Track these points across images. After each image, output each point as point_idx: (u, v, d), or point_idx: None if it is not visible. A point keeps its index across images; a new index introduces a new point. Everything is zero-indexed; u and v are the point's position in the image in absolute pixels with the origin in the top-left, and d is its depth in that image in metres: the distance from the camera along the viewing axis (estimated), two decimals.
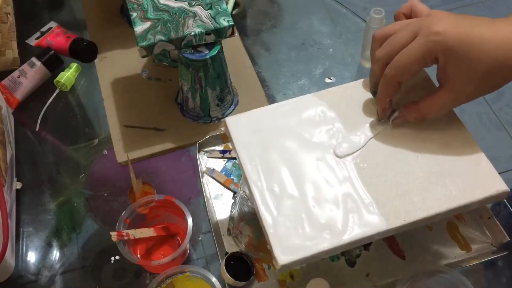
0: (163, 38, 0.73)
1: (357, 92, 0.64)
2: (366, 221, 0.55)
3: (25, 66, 0.89)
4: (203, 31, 0.74)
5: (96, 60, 0.93)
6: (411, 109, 0.60)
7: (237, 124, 0.62)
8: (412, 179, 0.57)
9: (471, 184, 0.56)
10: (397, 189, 0.57)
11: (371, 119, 0.62)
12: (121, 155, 0.81)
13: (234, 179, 0.77)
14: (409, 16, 0.61)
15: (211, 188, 0.76)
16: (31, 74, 0.88)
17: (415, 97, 0.60)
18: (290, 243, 0.53)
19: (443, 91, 0.57)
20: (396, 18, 0.62)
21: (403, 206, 0.55)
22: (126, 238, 0.66)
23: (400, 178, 0.58)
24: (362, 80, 0.65)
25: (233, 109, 0.86)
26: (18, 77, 0.88)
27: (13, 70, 0.89)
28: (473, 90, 0.55)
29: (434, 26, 0.53)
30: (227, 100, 0.84)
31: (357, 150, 0.60)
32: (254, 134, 0.61)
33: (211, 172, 0.78)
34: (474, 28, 0.53)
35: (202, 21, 0.75)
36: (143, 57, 0.75)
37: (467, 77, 0.54)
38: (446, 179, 0.57)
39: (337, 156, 0.59)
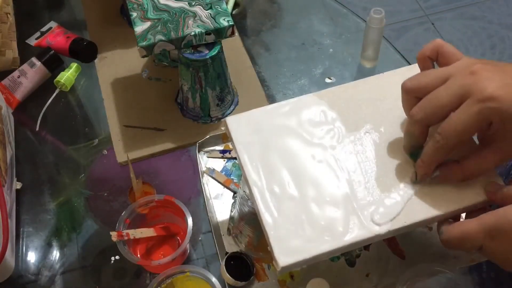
0: (163, 38, 0.73)
1: (358, 92, 0.64)
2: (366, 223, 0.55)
3: (25, 66, 0.88)
4: (203, 31, 0.74)
5: (96, 60, 0.93)
6: (455, 170, 0.55)
7: (237, 124, 0.62)
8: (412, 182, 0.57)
9: (472, 186, 0.56)
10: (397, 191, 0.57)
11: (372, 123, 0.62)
12: (121, 155, 0.81)
13: (234, 179, 0.77)
14: (435, 58, 0.56)
15: (211, 188, 0.76)
16: (31, 74, 0.88)
17: (454, 155, 0.55)
18: (290, 245, 0.53)
19: (491, 151, 0.53)
20: (422, 62, 0.56)
21: (403, 208, 0.55)
22: (126, 238, 0.66)
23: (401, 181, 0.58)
24: (362, 80, 0.65)
25: (233, 109, 0.86)
26: (18, 77, 0.88)
27: (13, 70, 0.89)
28: None
29: (485, 89, 0.48)
30: (227, 100, 0.84)
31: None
32: (254, 134, 0.61)
33: (211, 172, 0.78)
34: None
35: (202, 21, 0.75)
36: (143, 57, 0.75)
37: None
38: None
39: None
